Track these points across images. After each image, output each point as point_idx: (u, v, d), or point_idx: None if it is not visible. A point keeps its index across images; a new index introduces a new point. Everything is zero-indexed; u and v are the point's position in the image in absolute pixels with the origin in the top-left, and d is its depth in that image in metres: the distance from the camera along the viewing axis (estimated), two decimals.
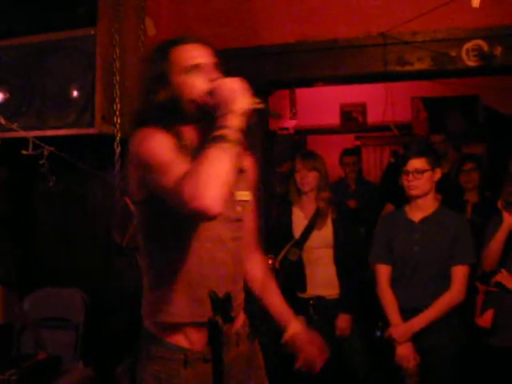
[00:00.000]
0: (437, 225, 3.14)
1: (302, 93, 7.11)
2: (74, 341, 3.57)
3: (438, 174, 3.17)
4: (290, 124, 7.48)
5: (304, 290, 3.63)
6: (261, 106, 1.68)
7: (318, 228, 3.63)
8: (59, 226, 3.99)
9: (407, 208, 3.27)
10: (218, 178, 1.51)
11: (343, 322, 3.59)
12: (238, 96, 1.65)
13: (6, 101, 3.38)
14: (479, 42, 3.42)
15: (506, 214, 3.16)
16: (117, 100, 3.30)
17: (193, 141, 1.79)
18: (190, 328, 1.82)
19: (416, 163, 3.12)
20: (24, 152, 3.10)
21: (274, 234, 3.68)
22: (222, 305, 1.61)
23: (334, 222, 3.64)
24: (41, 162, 3.26)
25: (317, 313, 3.60)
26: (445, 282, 3.07)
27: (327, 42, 3.68)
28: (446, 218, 3.16)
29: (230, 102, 1.63)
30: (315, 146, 6.59)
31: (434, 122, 6.71)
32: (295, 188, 3.74)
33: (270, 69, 3.79)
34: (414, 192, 3.16)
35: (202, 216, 1.54)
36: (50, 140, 3.25)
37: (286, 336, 2.06)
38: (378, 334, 3.23)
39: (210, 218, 1.54)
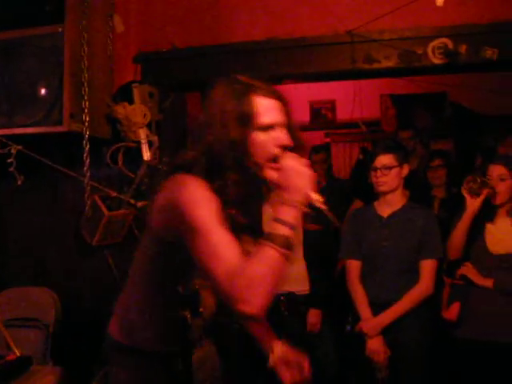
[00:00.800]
0: (405, 220, 3.18)
1: None
2: (45, 340, 3.54)
3: (405, 170, 3.20)
4: None
5: None
6: (323, 206, 1.57)
7: None
8: (28, 225, 3.94)
9: (376, 204, 3.30)
10: (272, 286, 1.45)
11: (313, 317, 3.62)
12: (307, 186, 1.54)
13: None
14: (445, 40, 3.48)
15: (468, 199, 3.12)
16: (85, 98, 3.28)
17: (235, 195, 1.63)
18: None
19: (384, 159, 3.15)
20: None
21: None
22: (190, 300, 1.61)
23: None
24: (8, 161, 3.23)
25: (287, 309, 3.63)
26: (414, 276, 3.11)
27: (295, 40, 3.70)
28: (414, 214, 3.20)
29: (298, 190, 1.53)
30: None
31: (402, 119, 6.78)
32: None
33: (239, 67, 3.79)
34: (382, 188, 3.20)
35: (245, 317, 1.49)
36: (17, 138, 3.22)
37: (271, 359, 2.01)
38: (349, 328, 3.27)
39: (251, 319, 1.52)
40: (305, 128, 7.48)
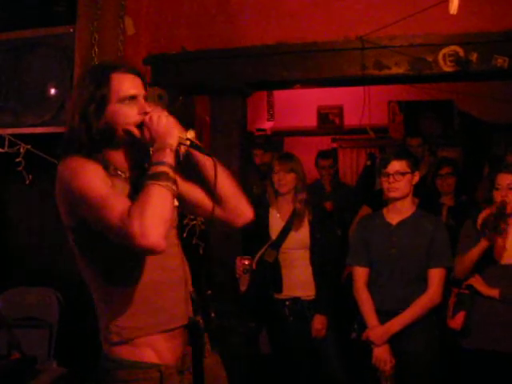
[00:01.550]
0: (414, 228, 3.15)
1: (279, 94, 7.13)
2: (48, 340, 3.54)
3: (416, 178, 3.18)
4: (268, 125, 7.51)
5: (280, 291, 3.64)
6: (189, 142, 1.77)
7: (294, 229, 3.64)
8: (34, 225, 3.94)
9: (385, 211, 3.28)
10: (163, 217, 1.59)
11: (319, 323, 3.60)
12: (173, 131, 1.72)
13: None
14: (456, 47, 3.47)
15: (481, 237, 3.09)
16: None
17: (121, 165, 1.83)
18: (158, 340, 1.80)
19: (397, 165, 3.12)
20: None
21: (251, 235, 3.67)
22: (202, 305, 1.61)
23: (311, 224, 3.65)
24: (17, 160, 3.23)
25: (292, 314, 3.62)
26: (422, 285, 3.09)
27: (306, 45, 3.69)
28: (424, 221, 3.17)
29: (165, 136, 1.71)
30: (292, 148, 6.60)
31: (409, 126, 6.79)
32: (272, 189, 3.74)
33: (249, 70, 3.79)
34: (393, 194, 3.15)
35: (149, 253, 1.63)
36: (26, 138, 3.22)
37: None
38: (354, 335, 3.25)
39: (157, 253, 1.60)
40: (312, 133, 7.50)
